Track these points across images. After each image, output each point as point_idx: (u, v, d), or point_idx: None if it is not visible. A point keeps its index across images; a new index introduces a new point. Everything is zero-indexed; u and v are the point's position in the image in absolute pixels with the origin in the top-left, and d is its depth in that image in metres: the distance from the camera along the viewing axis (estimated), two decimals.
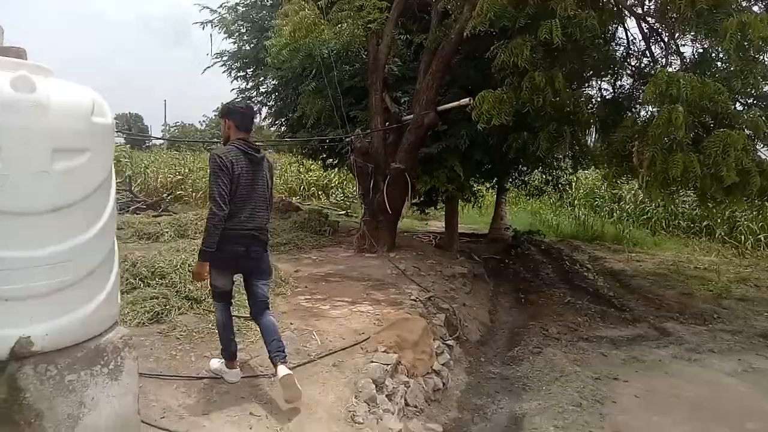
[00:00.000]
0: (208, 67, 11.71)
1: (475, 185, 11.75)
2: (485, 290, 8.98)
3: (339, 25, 7.93)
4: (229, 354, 3.77)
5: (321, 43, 8.12)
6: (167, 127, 45.20)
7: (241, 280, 3.95)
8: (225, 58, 11.76)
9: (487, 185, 13.78)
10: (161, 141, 35.48)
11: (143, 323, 4.67)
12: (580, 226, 16.64)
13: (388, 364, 4.20)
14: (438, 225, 14.91)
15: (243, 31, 11.50)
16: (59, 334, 2.22)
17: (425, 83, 8.20)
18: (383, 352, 4.38)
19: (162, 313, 4.85)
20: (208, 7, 11.16)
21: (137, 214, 12.74)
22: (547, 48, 5.99)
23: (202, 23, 11.15)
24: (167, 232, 9.58)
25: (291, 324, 4.97)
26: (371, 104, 8.84)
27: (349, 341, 4.60)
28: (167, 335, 4.48)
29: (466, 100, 7.47)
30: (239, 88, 12.55)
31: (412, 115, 8.53)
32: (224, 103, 3.95)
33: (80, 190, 2.26)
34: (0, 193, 2.02)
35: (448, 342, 5.57)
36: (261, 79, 12.04)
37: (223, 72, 11.83)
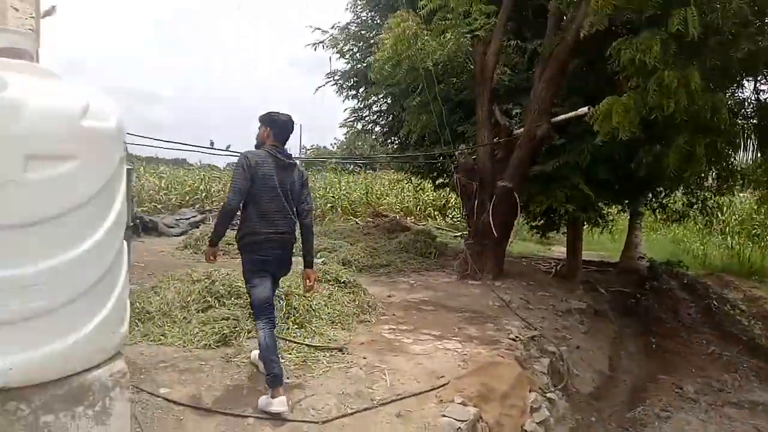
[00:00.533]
0: (320, 87, 11.80)
1: (603, 207, 10.44)
2: (607, 331, 7.77)
3: (443, 35, 7.42)
4: (275, 380, 3.45)
5: (425, 55, 7.66)
6: (305, 151, 47.47)
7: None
8: (336, 78, 11.78)
9: (617, 208, 12.29)
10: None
11: (209, 345, 4.42)
12: (733, 258, 14.32)
13: (463, 420, 3.49)
14: (561, 251, 13.63)
15: (354, 50, 11.44)
16: (27, 370, 1.89)
17: (538, 92, 7.37)
18: (460, 403, 3.68)
19: (230, 336, 4.59)
20: (319, 28, 11.26)
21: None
22: (682, 42, 4.93)
23: (314, 44, 11.25)
24: None
25: (363, 359, 4.44)
26: (478, 117, 8.17)
27: (423, 386, 3.96)
28: (230, 361, 4.16)
29: (585, 109, 6.53)
30: (352, 108, 12.52)
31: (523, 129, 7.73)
32: (269, 111, 3.93)
33: (63, 203, 1.94)
34: None
35: (549, 394, 4.67)
36: (372, 98, 11.88)
37: (335, 92, 11.85)
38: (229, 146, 8.90)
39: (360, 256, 9.02)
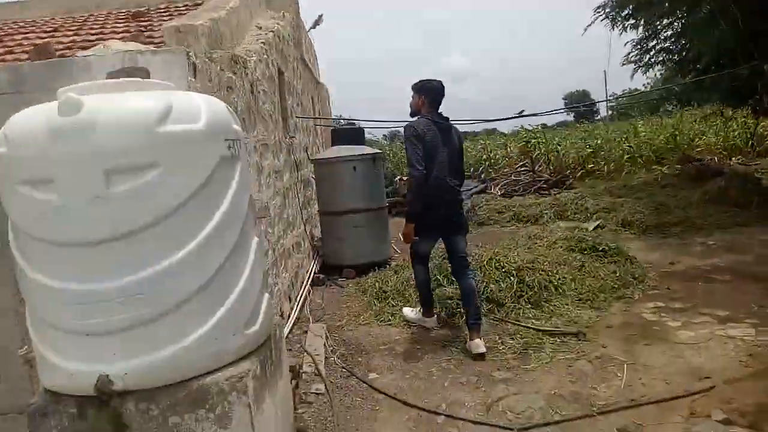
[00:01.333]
0: (589, 25, 10.34)
1: None
2: None
3: None
4: (428, 306, 4.27)
5: None
6: (614, 96, 43.27)
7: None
8: (607, 10, 10.12)
9: None
10: (607, 114, 34.52)
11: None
12: None
13: None
14: None
15: None
16: (142, 374, 1.98)
17: None
18: (721, 421, 2.62)
19: (449, 319, 4.33)
20: None
21: (540, 194, 12.54)
22: None
23: None
24: (546, 214, 8.99)
25: (602, 347, 3.63)
26: None
27: (672, 389, 2.98)
28: (445, 346, 3.92)
29: None
30: (632, 41, 10.64)
31: None
32: (421, 79, 4.15)
33: (150, 212, 1.96)
34: (61, 225, 1.90)
35: None
36: (657, 23, 9.82)
37: (605, 26, 10.22)
38: (522, 111, 8.56)
39: (645, 214, 7.61)
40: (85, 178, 1.89)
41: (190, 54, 2.88)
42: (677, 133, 16.51)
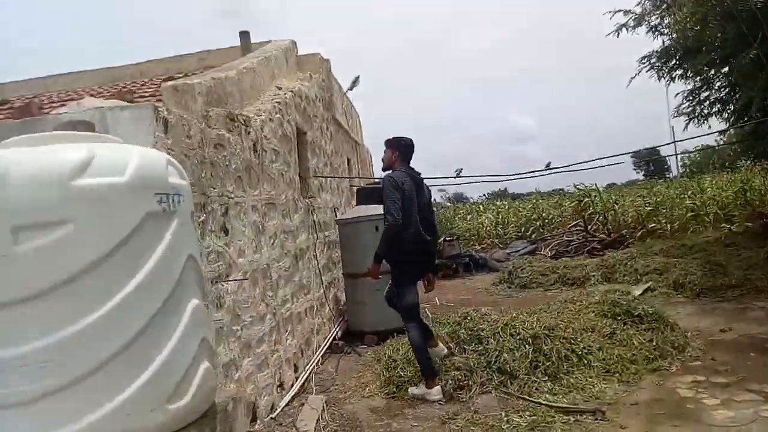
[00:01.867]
0: (633, 77, 9.95)
1: None
2: None
3: None
4: (430, 375, 4.02)
5: None
6: (686, 153, 41.27)
7: None
8: (653, 60, 9.73)
9: None
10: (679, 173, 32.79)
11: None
12: None
13: None
14: None
15: (668, 20, 9.25)
16: None
17: None
18: None
19: (459, 391, 3.93)
20: (620, 10, 9.55)
21: (592, 255, 11.89)
22: None
23: (615, 31, 9.60)
24: (593, 276, 8.41)
25: (621, 428, 3.13)
26: None
27: None
28: (445, 422, 3.52)
29: None
30: (683, 92, 10.13)
31: None
32: (394, 136, 4.48)
33: (60, 272, 1.83)
34: None
35: None
36: (708, 72, 9.33)
37: (651, 77, 9.81)
38: (549, 164, 8.21)
39: (699, 276, 6.91)
40: None
41: (160, 110, 2.85)
42: (747, 188, 15.41)
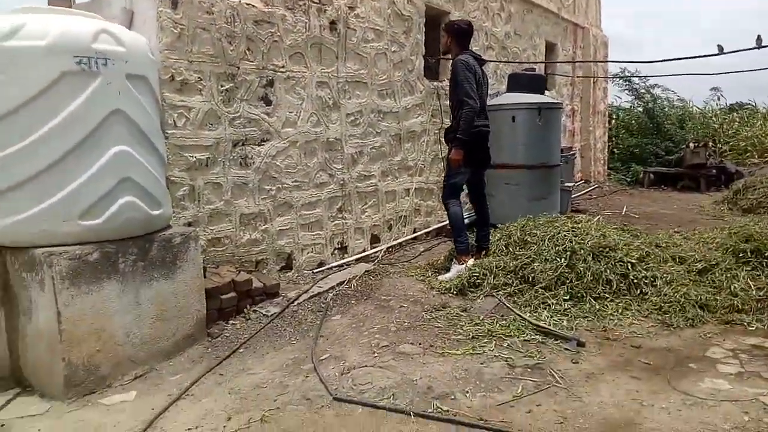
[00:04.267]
0: None
1: None
2: None
3: None
4: (465, 246, 4.23)
5: None
6: None
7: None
8: None
9: None
10: None
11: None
12: None
13: None
14: None
15: None
16: (2, 234, 2.64)
17: None
18: None
19: (475, 288, 3.75)
20: None
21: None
22: None
23: None
24: None
25: (573, 365, 2.67)
26: None
27: None
28: (428, 311, 3.47)
29: None
30: None
31: None
32: (450, 21, 4.68)
33: None
34: None
35: None
36: None
37: None
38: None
39: None
40: None
41: None
42: None
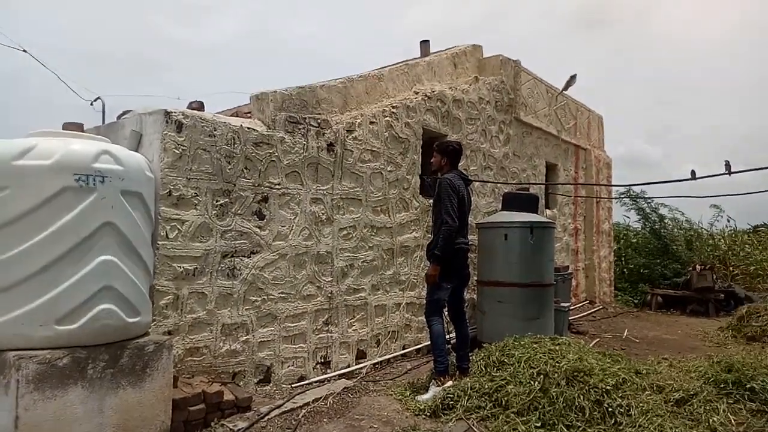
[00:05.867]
0: None
1: None
2: None
3: None
4: (444, 367, 4.22)
5: None
6: None
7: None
8: None
9: None
10: None
11: None
12: None
13: None
14: None
15: None
16: None
17: None
18: None
19: (449, 410, 3.69)
20: None
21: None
22: None
23: None
24: None
25: None
26: None
27: None
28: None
29: None
30: None
31: None
32: (442, 141, 4.87)
33: None
34: None
35: None
36: None
37: None
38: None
39: None
40: None
41: (173, 113, 3.64)
42: None
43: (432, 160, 4.75)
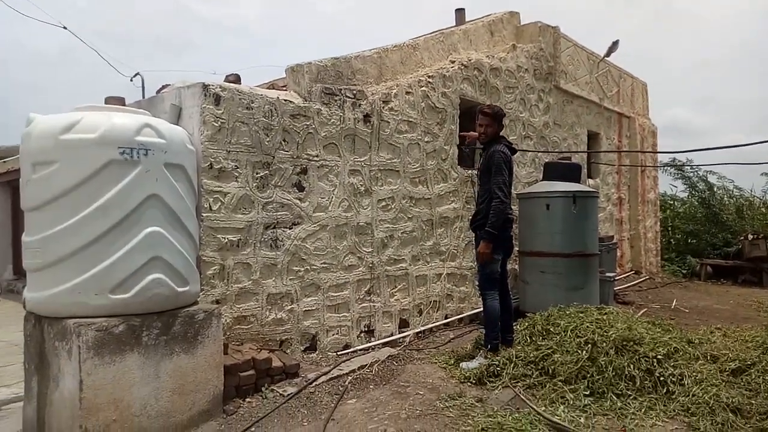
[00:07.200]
0: None
1: None
2: None
3: None
4: (495, 345, 4.12)
5: None
6: None
7: None
8: None
9: None
10: None
11: None
12: None
13: None
14: None
15: None
16: (37, 304, 2.90)
17: None
18: None
19: (494, 377, 3.68)
20: None
21: None
22: None
23: None
24: None
25: None
26: None
27: None
28: (441, 400, 3.42)
29: None
30: None
31: None
32: (491, 105, 4.63)
33: (48, 194, 2.86)
34: (24, 196, 2.98)
35: None
36: None
37: None
38: None
39: None
40: (24, 168, 2.95)
41: (210, 86, 3.67)
42: None
43: (480, 124, 4.40)
